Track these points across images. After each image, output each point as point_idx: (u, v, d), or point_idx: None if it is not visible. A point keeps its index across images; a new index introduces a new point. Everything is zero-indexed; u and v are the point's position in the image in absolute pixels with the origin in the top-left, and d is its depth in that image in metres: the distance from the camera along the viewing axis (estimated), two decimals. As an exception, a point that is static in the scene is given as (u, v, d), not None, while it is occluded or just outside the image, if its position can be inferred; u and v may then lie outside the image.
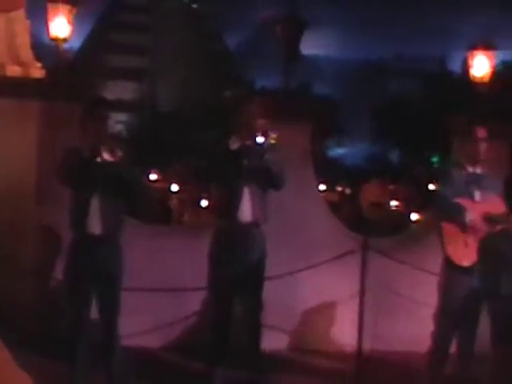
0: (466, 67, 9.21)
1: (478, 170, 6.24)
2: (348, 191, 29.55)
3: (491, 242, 4.21)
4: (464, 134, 6.32)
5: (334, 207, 23.73)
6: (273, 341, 7.30)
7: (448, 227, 6.11)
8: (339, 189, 31.60)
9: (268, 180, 6.38)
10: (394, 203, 27.31)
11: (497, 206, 6.05)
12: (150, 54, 63.21)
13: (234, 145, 6.39)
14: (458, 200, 6.07)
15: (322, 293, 8.09)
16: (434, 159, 31.07)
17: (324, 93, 53.25)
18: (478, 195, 6.14)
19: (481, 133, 6.22)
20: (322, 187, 31.11)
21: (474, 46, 9.09)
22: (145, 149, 34.56)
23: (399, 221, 23.22)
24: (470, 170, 6.23)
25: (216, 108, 38.51)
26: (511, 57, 41.14)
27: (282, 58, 8.37)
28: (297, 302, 8.06)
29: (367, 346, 7.72)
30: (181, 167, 31.30)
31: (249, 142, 6.31)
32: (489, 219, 5.95)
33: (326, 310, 8.13)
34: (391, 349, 8.09)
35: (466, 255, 5.99)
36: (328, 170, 34.29)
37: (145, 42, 63.75)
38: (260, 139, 6.24)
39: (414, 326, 7.71)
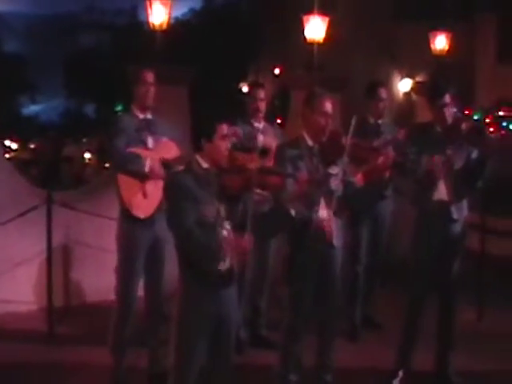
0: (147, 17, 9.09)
1: (149, 116, 5.95)
2: (41, 148, 28.83)
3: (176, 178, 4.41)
4: (136, 81, 5.93)
5: (27, 165, 23.11)
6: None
7: (124, 178, 5.75)
8: (32, 146, 30.78)
9: None
10: (87, 156, 27.06)
11: (171, 151, 5.89)
12: None
13: None
14: (133, 148, 5.76)
15: (9, 253, 7.78)
16: (119, 108, 30.96)
17: (13, 49, 51.30)
18: (150, 141, 5.88)
19: (148, 77, 5.92)
20: (14, 146, 30.22)
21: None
22: None
23: (88, 172, 22.86)
24: (141, 116, 5.91)
25: None
26: (199, 5, 42.21)
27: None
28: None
29: (59, 302, 7.60)
30: None
31: None
32: (165, 165, 5.74)
33: (14, 270, 7.81)
34: (85, 301, 8.09)
35: (144, 206, 5.77)
36: (21, 128, 33.30)
37: None
38: None
39: (105, 276, 7.62)
